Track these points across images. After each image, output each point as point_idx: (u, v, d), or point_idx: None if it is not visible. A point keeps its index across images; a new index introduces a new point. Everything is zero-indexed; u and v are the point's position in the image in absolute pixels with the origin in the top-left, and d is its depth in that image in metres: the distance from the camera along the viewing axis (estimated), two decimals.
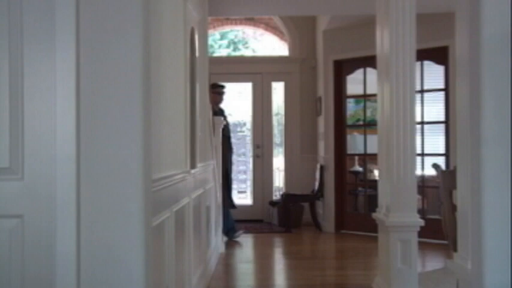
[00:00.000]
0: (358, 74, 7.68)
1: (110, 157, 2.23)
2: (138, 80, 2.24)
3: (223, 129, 6.82)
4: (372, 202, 6.61)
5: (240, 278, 5.43)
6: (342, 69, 7.85)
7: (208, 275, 4.97)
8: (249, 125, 9.22)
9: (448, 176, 3.36)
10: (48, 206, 2.21)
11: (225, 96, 7.44)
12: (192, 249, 3.96)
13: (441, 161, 6.87)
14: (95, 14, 2.24)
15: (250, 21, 9.41)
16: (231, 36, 12.77)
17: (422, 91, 6.97)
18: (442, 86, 7.02)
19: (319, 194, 7.98)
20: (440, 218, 3.72)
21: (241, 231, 7.36)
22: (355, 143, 8.02)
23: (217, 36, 12.42)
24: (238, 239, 7.16)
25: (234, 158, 9.36)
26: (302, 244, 7.29)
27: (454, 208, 3.16)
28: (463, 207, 2.27)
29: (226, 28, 10.41)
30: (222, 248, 6.28)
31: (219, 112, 7.16)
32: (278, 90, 8.97)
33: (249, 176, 9.04)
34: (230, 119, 9.35)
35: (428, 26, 6.11)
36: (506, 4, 2.02)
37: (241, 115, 9.40)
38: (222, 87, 7.44)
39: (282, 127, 9.02)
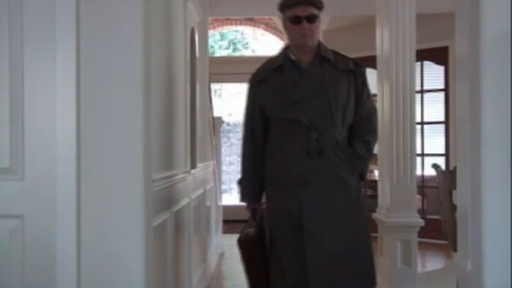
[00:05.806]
0: None
1: (110, 157, 2.23)
2: (138, 80, 2.24)
3: None
4: (372, 202, 6.60)
5: (240, 278, 5.41)
6: None
7: (208, 275, 4.97)
8: None
9: (448, 176, 3.35)
10: (48, 206, 2.21)
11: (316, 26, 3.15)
12: (192, 249, 3.96)
13: (441, 161, 6.87)
14: (95, 15, 2.23)
15: (250, 21, 9.41)
16: (230, 36, 12.75)
17: (422, 91, 6.97)
18: (442, 86, 7.02)
19: None
20: (440, 218, 3.72)
21: None
22: None
23: (218, 36, 12.40)
24: None
25: (234, 158, 9.35)
26: None
27: (454, 208, 3.16)
28: (463, 207, 2.27)
29: (226, 28, 10.40)
30: (222, 248, 6.27)
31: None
32: None
33: None
34: (230, 119, 9.34)
35: (428, 26, 6.10)
36: (506, 4, 2.02)
37: (241, 115, 9.39)
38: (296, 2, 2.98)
39: None
